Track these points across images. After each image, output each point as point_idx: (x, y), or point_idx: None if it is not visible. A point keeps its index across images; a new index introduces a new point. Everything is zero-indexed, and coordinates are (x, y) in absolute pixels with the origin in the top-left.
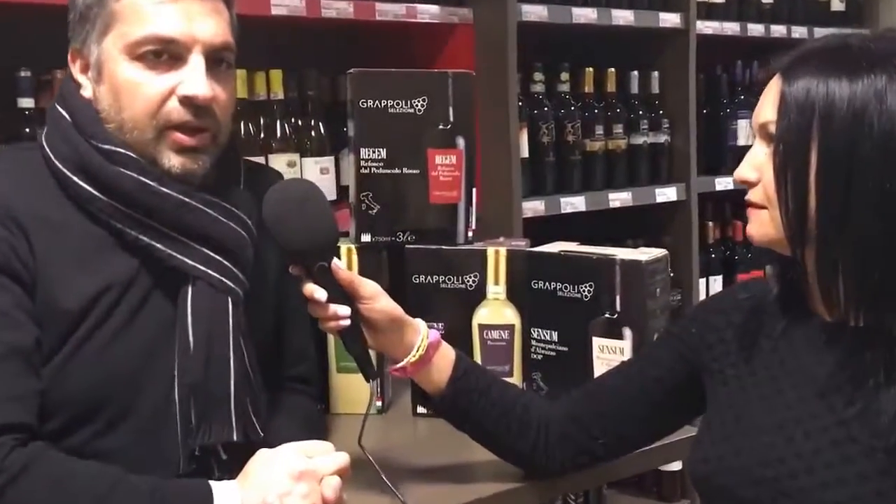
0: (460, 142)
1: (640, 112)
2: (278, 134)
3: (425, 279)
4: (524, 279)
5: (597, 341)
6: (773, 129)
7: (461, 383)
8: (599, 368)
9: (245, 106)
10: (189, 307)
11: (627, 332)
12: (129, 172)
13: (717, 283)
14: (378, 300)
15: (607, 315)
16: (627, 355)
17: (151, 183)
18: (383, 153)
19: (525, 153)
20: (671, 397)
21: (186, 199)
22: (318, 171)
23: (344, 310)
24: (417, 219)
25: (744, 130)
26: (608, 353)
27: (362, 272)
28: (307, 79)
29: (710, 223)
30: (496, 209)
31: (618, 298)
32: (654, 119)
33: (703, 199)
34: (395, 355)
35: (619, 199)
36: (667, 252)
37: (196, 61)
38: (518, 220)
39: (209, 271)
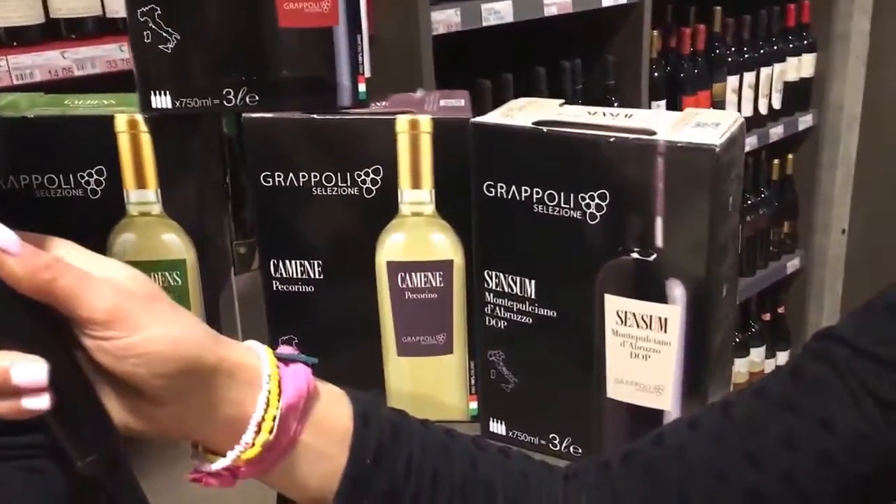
0: None
1: None
2: None
3: (283, 180)
4: (468, 178)
5: (613, 303)
6: None
7: (375, 483)
8: (618, 356)
9: None
10: None
11: (676, 289)
12: None
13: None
14: (137, 325)
15: (636, 254)
16: (675, 336)
17: None
18: None
19: None
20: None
21: None
22: None
23: (29, 369)
24: (259, 60)
25: None
26: (635, 329)
27: (167, 178)
28: None
29: (653, 32)
30: (390, 23)
31: (659, 222)
32: None
33: None
34: (205, 441)
35: (556, 3)
36: (742, 119)
37: None
38: (426, 38)
39: None
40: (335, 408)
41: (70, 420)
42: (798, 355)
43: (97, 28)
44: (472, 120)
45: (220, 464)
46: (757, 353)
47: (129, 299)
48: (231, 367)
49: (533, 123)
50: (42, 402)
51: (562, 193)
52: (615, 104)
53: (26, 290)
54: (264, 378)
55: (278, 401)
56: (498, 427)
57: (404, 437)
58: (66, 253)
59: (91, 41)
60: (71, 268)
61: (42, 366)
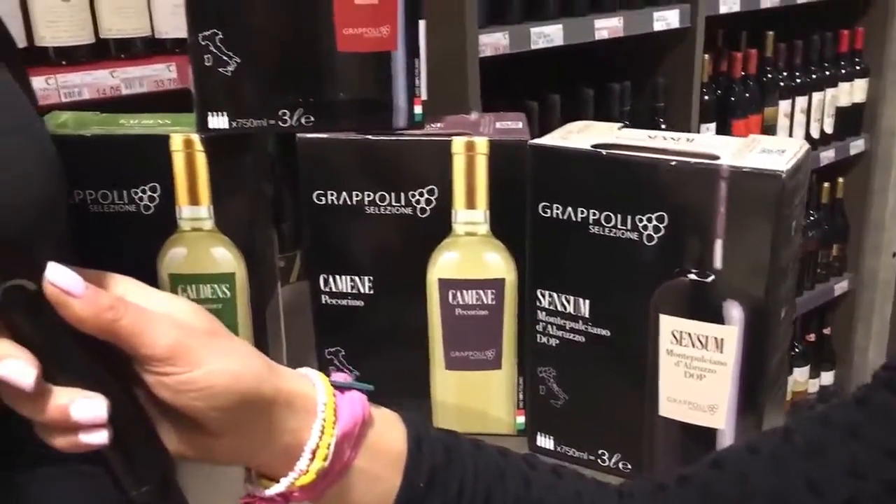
0: None
1: None
2: None
3: (336, 199)
4: (524, 199)
5: (668, 323)
6: None
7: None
8: (671, 375)
9: None
10: None
11: (734, 310)
12: None
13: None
14: (197, 360)
15: (694, 275)
16: (731, 356)
17: None
18: None
19: None
20: None
21: None
22: None
23: (88, 406)
24: (317, 83)
25: None
26: (690, 349)
27: (219, 194)
28: None
29: (705, 56)
30: (440, 45)
31: (718, 245)
32: None
33: None
34: (260, 468)
35: (606, 27)
36: (807, 146)
37: None
38: (473, 60)
39: None
40: (389, 431)
41: (127, 453)
42: (866, 385)
43: (146, 48)
44: (531, 142)
45: (274, 490)
46: (800, 373)
47: (189, 335)
48: (288, 397)
49: (591, 146)
50: (101, 438)
51: (619, 215)
52: (663, 127)
53: (90, 329)
54: (320, 406)
55: (333, 428)
56: (546, 442)
57: (457, 458)
58: (126, 290)
59: (140, 61)
60: (132, 306)
61: (101, 403)
